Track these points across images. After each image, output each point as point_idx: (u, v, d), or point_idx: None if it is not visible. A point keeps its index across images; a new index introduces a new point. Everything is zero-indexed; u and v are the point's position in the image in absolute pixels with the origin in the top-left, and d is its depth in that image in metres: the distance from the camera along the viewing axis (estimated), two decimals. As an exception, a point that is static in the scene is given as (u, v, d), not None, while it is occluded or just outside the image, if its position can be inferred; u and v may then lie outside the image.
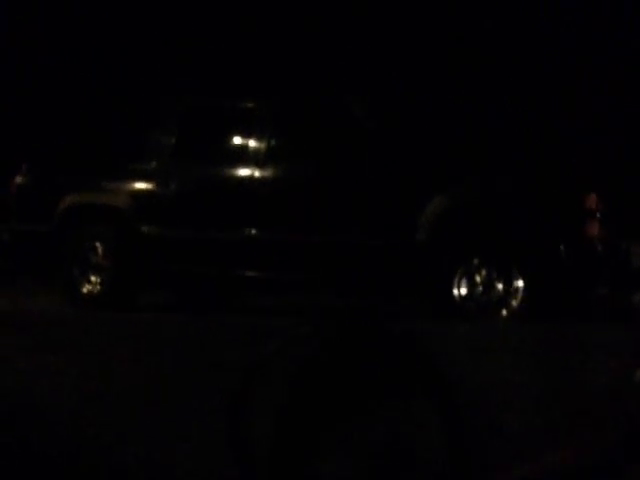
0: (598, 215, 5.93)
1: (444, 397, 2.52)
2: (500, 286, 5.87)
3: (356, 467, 2.38)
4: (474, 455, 2.43)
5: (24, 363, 4.37)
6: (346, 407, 2.50)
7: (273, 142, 6.62)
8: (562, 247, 5.85)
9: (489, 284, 5.89)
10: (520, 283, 5.81)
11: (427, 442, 2.37)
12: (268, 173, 6.56)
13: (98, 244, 7.03)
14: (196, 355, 4.61)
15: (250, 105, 6.81)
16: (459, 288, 5.92)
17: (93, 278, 7.04)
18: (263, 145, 6.61)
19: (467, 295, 5.92)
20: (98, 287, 7.01)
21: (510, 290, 5.86)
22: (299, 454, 2.45)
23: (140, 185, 6.97)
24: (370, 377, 2.54)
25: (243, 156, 6.68)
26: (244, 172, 6.64)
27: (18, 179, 7.44)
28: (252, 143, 6.68)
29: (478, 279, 5.91)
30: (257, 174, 6.57)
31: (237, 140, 6.85)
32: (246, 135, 6.73)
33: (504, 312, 5.85)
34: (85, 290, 7.04)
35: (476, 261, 5.92)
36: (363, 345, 2.57)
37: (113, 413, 3.33)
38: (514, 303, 5.82)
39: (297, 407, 2.49)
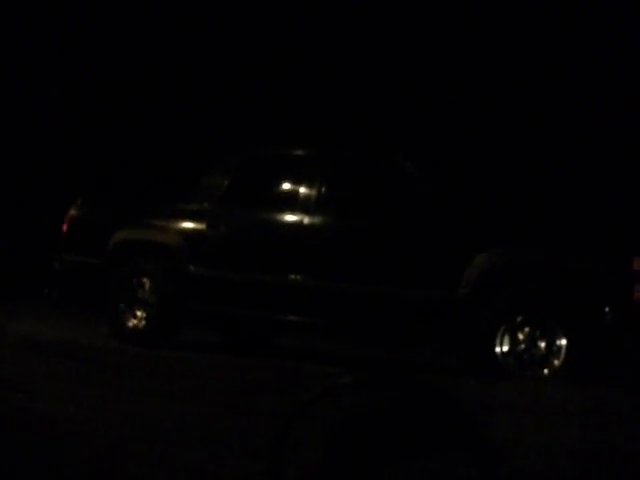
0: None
1: (483, 456, 2.54)
2: (543, 345, 5.85)
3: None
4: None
5: (57, 391, 4.45)
6: (385, 460, 2.53)
7: (323, 191, 6.71)
8: (607, 309, 5.82)
9: (532, 342, 5.88)
10: (563, 342, 5.78)
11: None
12: (317, 221, 6.65)
13: (146, 280, 7.15)
14: (233, 398, 4.64)
15: (302, 154, 6.94)
16: (501, 345, 5.92)
17: (139, 313, 7.15)
18: (313, 193, 6.71)
19: (508, 352, 5.91)
20: (143, 322, 7.12)
21: (552, 349, 5.83)
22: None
23: (190, 225, 7.10)
24: (410, 432, 2.56)
25: (293, 203, 6.78)
26: (293, 218, 6.73)
27: (73, 211, 7.61)
28: (302, 190, 6.79)
29: (521, 337, 5.91)
30: (306, 221, 6.66)
31: (288, 187, 6.96)
32: (297, 183, 6.85)
33: (545, 371, 5.82)
34: (130, 324, 7.15)
35: (520, 319, 5.92)
36: (404, 400, 2.59)
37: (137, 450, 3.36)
38: (556, 362, 5.80)
39: (339, 457, 2.52)
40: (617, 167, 10.68)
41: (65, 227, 7.61)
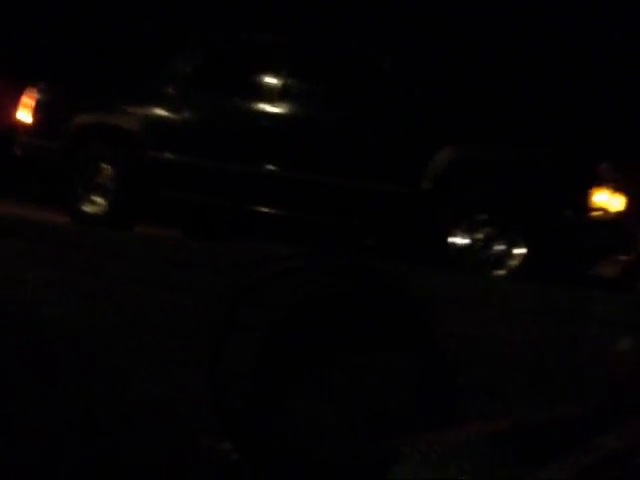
0: (610, 184, 5.86)
1: (428, 345, 2.51)
2: (501, 247, 5.84)
3: (327, 409, 2.39)
4: (450, 407, 2.43)
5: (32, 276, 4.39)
6: (332, 348, 2.50)
7: (290, 79, 6.55)
8: (568, 214, 5.80)
9: (490, 242, 5.86)
10: (522, 245, 5.77)
11: (400, 391, 2.37)
12: (281, 109, 6.51)
13: (105, 165, 7.00)
14: (185, 279, 4.61)
15: (269, 40, 6.73)
16: (458, 239, 5.88)
17: (97, 199, 7.03)
18: (279, 81, 6.54)
19: (466, 248, 5.89)
20: (102, 208, 7.01)
21: (510, 251, 5.82)
22: (279, 388, 2.45)
23: (152, 109, 6.92)
24: (360, 320, 2.53)
25: (258, 90, 6.61)
26: (257, 106, 6.58)
27: (35, 95, 7.40)
28: (268, 78, 6.61)
29: (480, 236, 5.87)
30: (270, 109, 6.52)
31: (254, 74, 6.76)
32: (264, 70, 6.66)
33: (502, 271, 5.82)
34: (89, 210, 7.04)
35: (480, 217, 5.88)
36: (359, 287, 2.56)
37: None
38: (513, 264, 5.79)
39: (285, 340, 2.49)
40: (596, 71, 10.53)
41: (26, 111, 7.42)
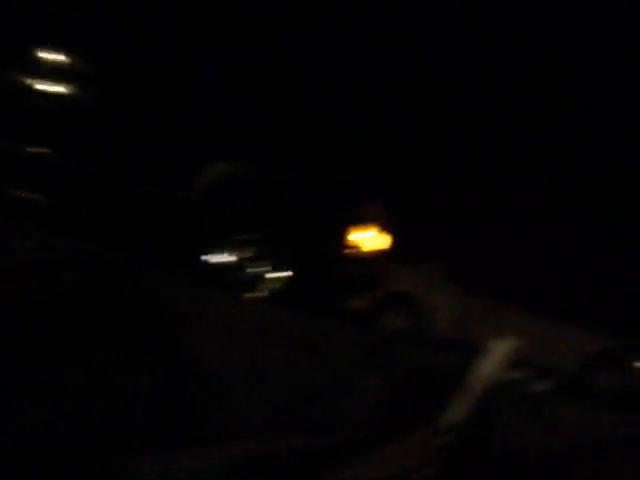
0: (376, 223, 5.96)
1: (171, 348, 2.37)
2: (266, 268, 5.76)
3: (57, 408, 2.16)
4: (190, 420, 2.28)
5: None
6: (71, 347, 2.29)
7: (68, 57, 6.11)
8: (330, 246, 5.84)
9: (252, 261, 5.77)
10: (287, 269, 5.73)
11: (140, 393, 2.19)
12: (53, 89, 6.07)
13: None
14: None
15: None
16: (216, 257, 5.73)
17: None
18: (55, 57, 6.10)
19: (226, 266, 5.75)
20: None
21: (274, 274, 5.76)
22: (6, 387, 2.20)
23: None
24: (102, 318, 2.35)
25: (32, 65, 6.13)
26: (29, 83, 6.08)
27: None
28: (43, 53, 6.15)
29: (243, 255, 5.77)
30: (41, 87, 6.05)
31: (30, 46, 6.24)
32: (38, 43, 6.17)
33: (263, 294, 5.74)
34: None
35: (247, 236, 5.77)
36: (102, 284, 2.39)
37: None
38: (274, 286, 5.73)
39: (17, 339, 2.24)
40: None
41: None
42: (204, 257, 5.69)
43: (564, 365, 8.92)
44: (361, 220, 5.95)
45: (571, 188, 11.97)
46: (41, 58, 6.13)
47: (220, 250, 5.73)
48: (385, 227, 6.14)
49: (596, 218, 11.92)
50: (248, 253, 5.78)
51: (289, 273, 5.74)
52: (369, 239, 6.06)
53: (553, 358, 9.26)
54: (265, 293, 5.75)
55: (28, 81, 6.06)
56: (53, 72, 6.04)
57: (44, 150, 6.01)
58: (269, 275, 5.79)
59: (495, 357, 3.45)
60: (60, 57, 6.08)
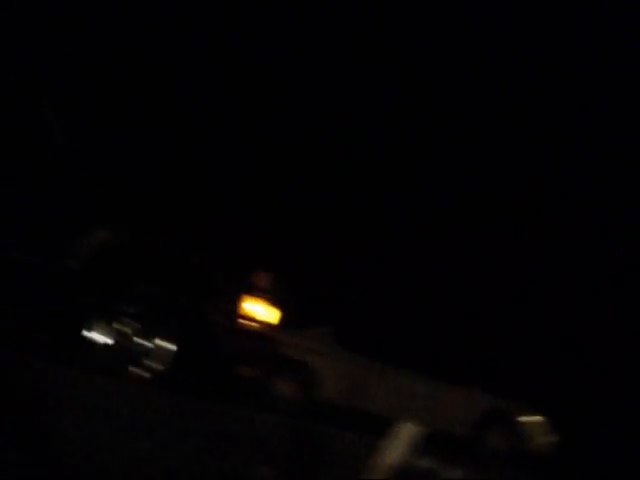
0: (266, 296, 5.78)
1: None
2: (146, 345, 5.42)
3: None
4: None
5: None
6: None
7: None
8: (218, 318, 5.59)
9: (134, 339, 5.42)
10: (168, 346, 5.40)
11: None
12: None
13: None
14: None
15: None
16: (97, 334, 5.36)
17: None
18: None
19: (107, 345, 5.38)
20: None
21: (157, 349, 5.43)
22: None
23: None
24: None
25: None
26: None
27: None
28: None
29: (124, 330, 5.41)
30: None
31: None
32: None
33: (146, 374, 5.39)
34: None
35: (126, 309, 5.43)
36: None
37: None
38: (157, 365, 5.40)
39: None
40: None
41: None
42: (85, 333, 5.31)
43: (456, 427, 8.85)
44: (252, 291, 5.74)
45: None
46: None
47: (101, 324, 5.36)
48: (275, 298, 5.97)
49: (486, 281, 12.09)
50: (131, 327, 5.44)
51: (174, 347, 5.42)
52: (259, 310, 5.86)
53: (444, 420, 9.20)
54: (150, 371, 5.40)
55: None
56: None
57: None
58: (155, 350, 5.45)
59: (400, 442, 3.30)
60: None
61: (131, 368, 5.34)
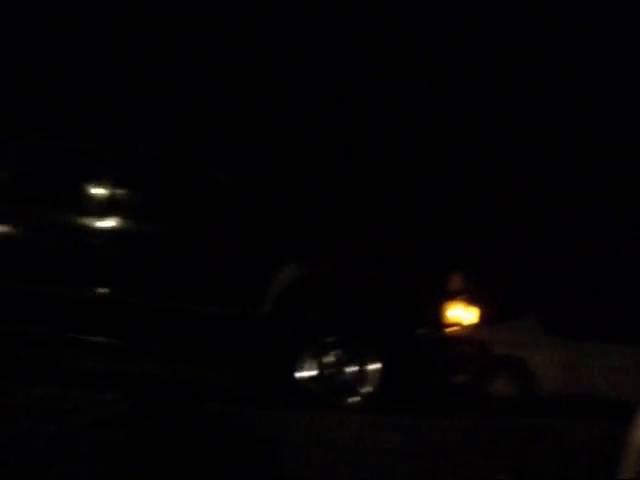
0: (463, 297, 5.61)
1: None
2: (353, 370, 5.38)
3: None
4: None
5: None
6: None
7: (118, 191, 5.93)
8: (422, 330, 5.45)
9: (341, 367, 5.39)
10: (376, 367, 5.34)
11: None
12: (109, 225, 5.87)
13: None
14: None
15: (93, 146, 6.09)
16: (306, 369, 5.38)
17: None
18: (106, 193, 5.91)
19: (315, 377, 5.39)
20: None
21: (364, 371, 5.38)
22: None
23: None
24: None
25: (82, 203, 5.96)
26: (82, 221, 5.90)
27: None
28: (94, 189, 5.98)
29: (328, 360, 5.40)
30: (97, 225, 5.86)
31: (77, 184, 6.09)
32: (88, 179, 6.02)
33: (356, 399, 5.35)
34: None
35: (329, 340, 5.42)
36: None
37: None
38: (366, 389, 5.35)
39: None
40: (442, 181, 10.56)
41: None
42: (296, 373, 5.34)
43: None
44: (449, 295, 5.59)
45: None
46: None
47: (308, 360, 5.37)
48: (472, 297, 5.78)
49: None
50: (333, 357, 5.42)
51: (380, 365, 5.35)
52: (460, 312, 5.69)
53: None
54: (360, 397, 5.35)
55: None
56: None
57: (105, 290, 5.80)
58: (362, 372, 5.40)
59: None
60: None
61: (344, 397, 5.32)
